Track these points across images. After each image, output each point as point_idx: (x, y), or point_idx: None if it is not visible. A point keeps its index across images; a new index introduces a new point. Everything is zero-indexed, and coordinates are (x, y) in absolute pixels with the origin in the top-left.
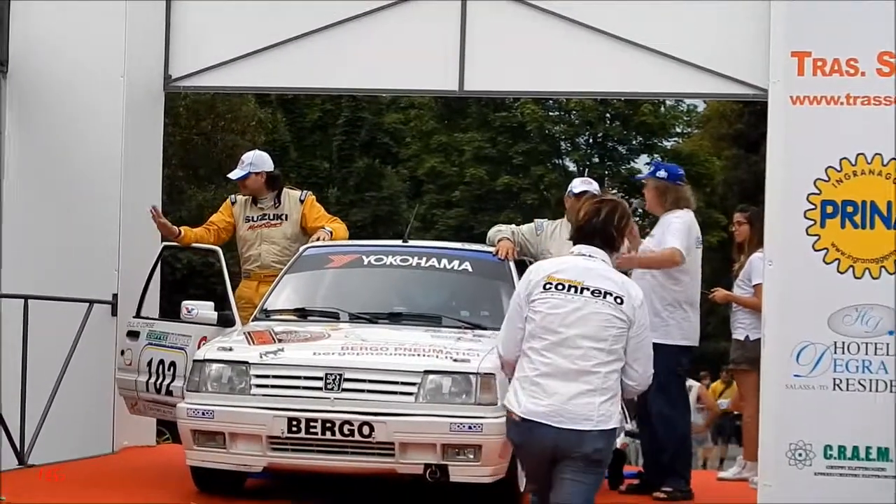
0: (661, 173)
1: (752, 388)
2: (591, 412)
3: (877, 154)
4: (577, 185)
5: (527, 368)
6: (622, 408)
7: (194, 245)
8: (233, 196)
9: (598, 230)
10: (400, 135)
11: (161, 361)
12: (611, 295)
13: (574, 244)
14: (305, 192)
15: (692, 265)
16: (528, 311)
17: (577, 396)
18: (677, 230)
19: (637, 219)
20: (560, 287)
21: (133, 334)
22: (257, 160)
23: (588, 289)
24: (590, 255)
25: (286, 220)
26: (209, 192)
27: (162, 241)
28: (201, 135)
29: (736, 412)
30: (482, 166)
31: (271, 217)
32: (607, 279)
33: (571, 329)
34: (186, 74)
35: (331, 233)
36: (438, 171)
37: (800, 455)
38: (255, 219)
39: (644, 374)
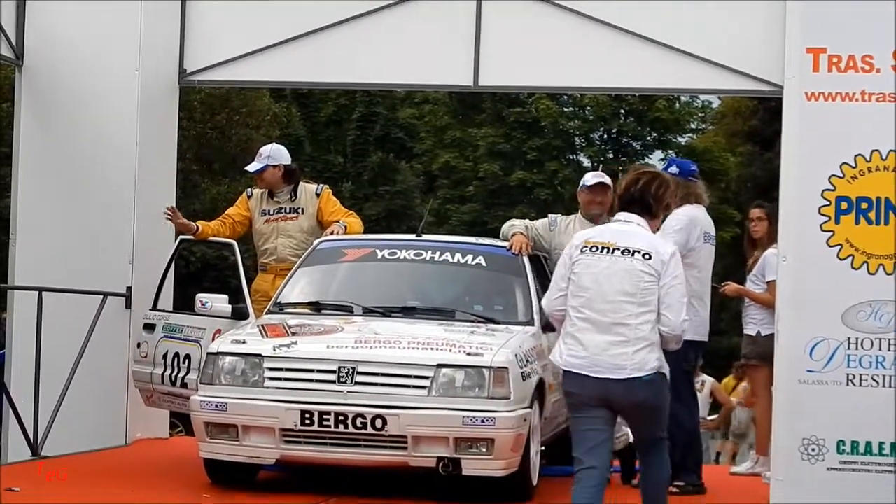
0: (673, 169)
1: (764, 384)
2: (624, 362)
3: (892, 151)
4: (591, 178)
5: (567, 325)
6: None
7: (211, 239)
8: (249, 189)
9: (637, 199)
10: (414, 130)
11: (176, 354)
12: (639, 252)
13: (617, 212)
14: (322, 185)
15: (700, 260)
16: (570, 272)
17: (610, 347)
18: (671, 228)
19: None
20: (594, 249)
21: (149, 327)
22: (275, 153)
23: (619, 249)
24: (625, 221)
25: (302, 213)
26: (223, 186)
27: (177, 235)
28: (216, 129)
29: (748, 407)
30: (496, 161)
31: (287, 211)
32: (638, 238)
33: (603, 286)
34: (201, 69)
35: (345, 227)
36: (452, 166)
37: (813, 450)
38: (271, 212)
39: (676, 320)
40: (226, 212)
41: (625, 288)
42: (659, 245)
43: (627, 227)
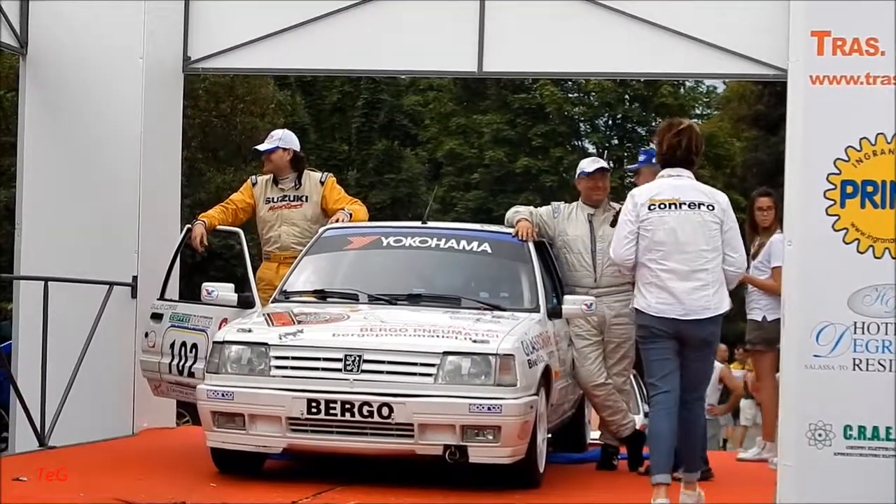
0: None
1: (769, 369)
2: (707, 303)
3: None
4: (589, 164)
5: (649, 276)
6: (637, 390)
7: (217, 227)
8: (254, 177)
9: (682, 158)
10: (419, 117)
11: (183, 343)
12: (703, 205)
13: (663, 167)
14: (326, 173)
15: None
16: (637, 228)
17: (693, 292)
18: None
19: None
20: (662, 206)
21: (156, 316)
22: (287, 137)
23: (685, 203)
24: (677, 175)
25: (307, 201)
26: (228, 175)
27: (183, 224)
28: (220, 117)
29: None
30: (501, 148)
31: (292, 198)
32: (697, 192)
33: (679, 238)
34: (205, 56)
35: (350, 214)
36: (457, 153)
37: (819, 435)
38: (275, 200)
39: (741, 258)
40: (229, 198)
41: (698, 239)
42: (716, 194)
43: (681, 182)
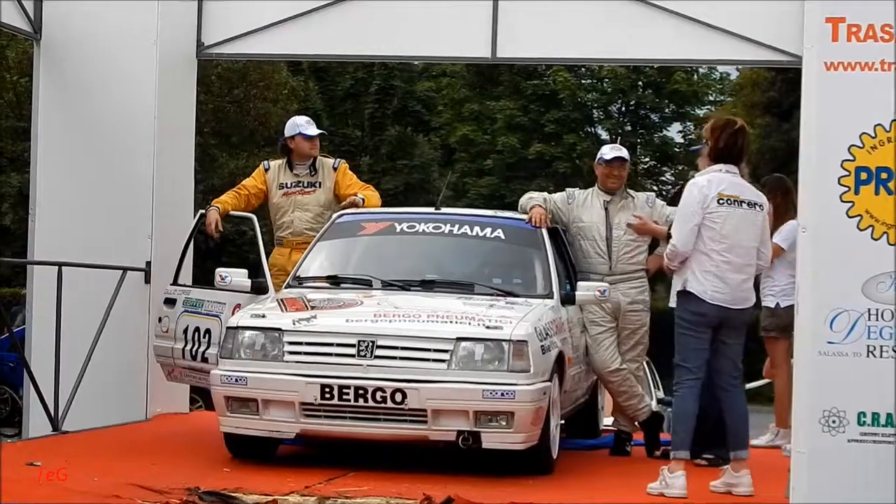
0: None
1: (783, 356)
2: (750, 294)
3: None
4: (608, 151)
5: (708, 264)
6: (650, 377)
7: (231, 213)
8: (266, 162)
9: (736, 155)
10: (432, 103)
11: (196, 329)
12: (758, 205)
13: (714, 162)
14: (339, 159)
15: None
16: (703, 219)
17: (742, 283)
18: None
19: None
20: (729, 202)
21: (170, 301)
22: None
23: (746, 201)
24: (734, 173)
25: (320, 187)
26: (241, 160)
27: (196, 209)
28: (233, 103)
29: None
30: (514, 134)
31: (305, 185)
32: (752, 191)
33: (741, 234)
34: (219, 42)
35: (363, 200)
36: (470, 140)
37: (833, 422)
38: (289, 185)
39: (768, 253)
40: (241, 183)
41: (753, 237)
42: (761, 195)
43: (738, 179)
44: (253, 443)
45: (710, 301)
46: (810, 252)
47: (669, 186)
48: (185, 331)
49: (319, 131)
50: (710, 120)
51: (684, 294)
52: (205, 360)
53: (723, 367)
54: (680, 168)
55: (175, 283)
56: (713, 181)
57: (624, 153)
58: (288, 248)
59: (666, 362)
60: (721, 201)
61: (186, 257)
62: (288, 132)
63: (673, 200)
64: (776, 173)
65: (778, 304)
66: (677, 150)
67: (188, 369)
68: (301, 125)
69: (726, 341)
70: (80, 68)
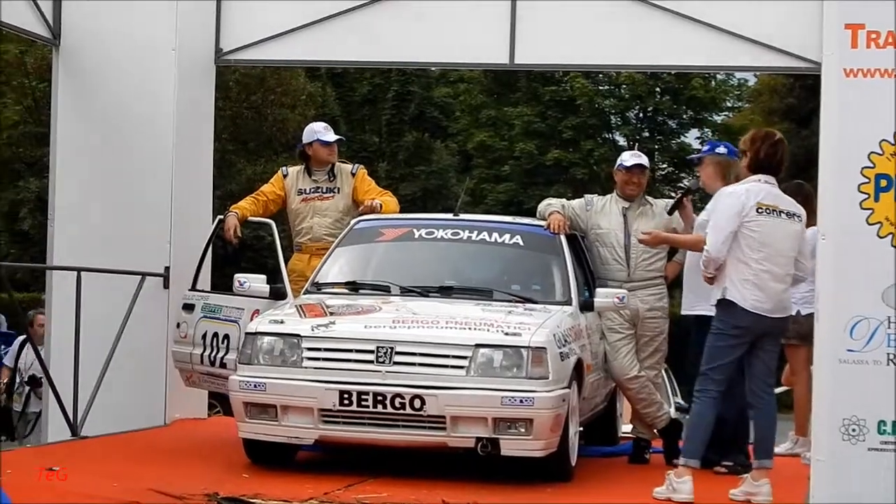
0: (721, 150)
1: (803, 363)
2: (789, 304)
3: None
4: (629, 158)
5: (747, 273)
6: (668, 384)
7: (249, 219)
8: (284, 168)
9: (775, 167)
10: (449, 109)
11: (215, 334)
12: (796, 215)
13: (753, 173)
14: (357, 165)
15: None
16: (741, 227)
17: (782, 293)
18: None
19: (692, 197)
20: (769, 211)
21: (188, 307)
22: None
23: (784, 211)
24: (773, 184)
25: (339, 193)
26: (259, 166)
27: (215, 215)
28: (251, 108)
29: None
30: (532, 140)
31: (324, 190)
32: (790, 202)
33: (779, 243)
34: (237, 48)
35: (381, 205)
36: (488, 146)
37: (853, 430)
38: (307, 191)
39: (808, 265)
40: (259, 189)
41: (791, 246)
42: (798, 206)
43: (776, 190)
44: (271, 448)
45: (750, 309)
46: (830, 259)
47: (679, 195)
48: (204, 336)
49: (337, 137)
50: (750, 131)
51: (723, 303)
52: (223, 365)
53: (758, 374)
54: (698, 174)
55: (193, 288)
56: (752, 191)
57: (644, 160)
58: (307, 253)
59: (683, 368)
60: (760, 210)
61: (205, 263)
62: (306, 138)
63: (672, 209)
64: (795, 180)
65: (798, 311)
66: (689, 157)
67: (206, 375)
68: (319, 131)
69: (764, 349)
70: (99, 74)
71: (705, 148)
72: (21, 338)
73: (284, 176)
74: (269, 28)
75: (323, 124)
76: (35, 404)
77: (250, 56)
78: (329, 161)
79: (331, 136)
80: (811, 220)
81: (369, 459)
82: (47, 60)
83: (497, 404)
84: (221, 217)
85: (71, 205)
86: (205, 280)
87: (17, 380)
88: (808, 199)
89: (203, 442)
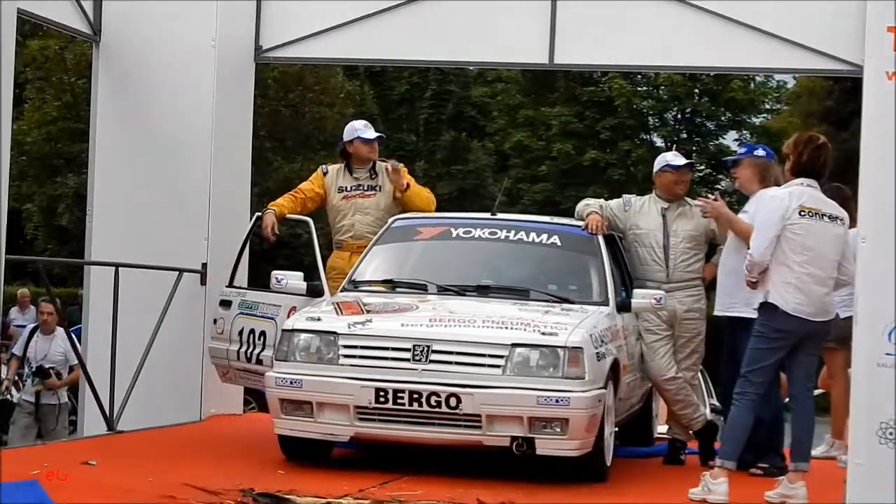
0: (760, 152)
1: (841, 367)
2: (831, 308)
3: None
4: (674, 157)
5: (789, 276)
6: (704, 386)
7: (287, 216)
8: (324, 166)
9: (818, 170)
10: (487, 108)
11: (252, 331)
12: (839, 219)
13: (795, 176)
14: (393, 161)
15: None
16: (784, 230)
17: (824, 296)
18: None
19: (727, 198)
20: (812, 214)
21: (225, 303)
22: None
23: (827, 214)
24: (815, 187)
25: (380, 191)
26: (296, 164)
27: (252, 211)
28: (289, 106)
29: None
30: (569, 141)
31: (366, 188)
32: (833, 205)
33: (822, 246)
34: (276, 45)
35: (402, 166)
36: (525, 146)
37: (890, 434)
38: (348, 189)
39: (851, 268)
40: (298, 186)
41: (835, 250)
42: (841, 209)
43: (818, 194)
44: (307, 445)
45: (793, 313)
46: (869, 262)
47: (714, 196)
48: (241, 333)
49: (378, 134)
50: (794, 134)
51: (766, 306)
52: (259, 361)
53: (798, 377)
54: (736, 176)
55: (231, 285)
56: (794, 193)
57: (687, 160)
58: (348, 251)
59: (718, 369)
60: (803, 213)
61: (242, 259)
62: (346, 136)
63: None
64: (834, 183)
65: (837, 314)
66: (723, 159)
67: (243, 371)
68: (359, 129)
69: (805, 352)
70: (139, 70)
71: (743, 150)
72: (31, 326)
73: (324, 174)
74: (308, 26)
75: (363, 122)
76: (46, 396)
77: (290, 54)
78: (370, 158)
79: (371, 134)
80: (851, 224)
81: (405, 457)
82: (87, 56)
83: (533, 404)
84: (259, 214)
85: (109, 201)
86: (241, 277)
87: (25, 370)
88: (846, 202)
89: (238, 438)
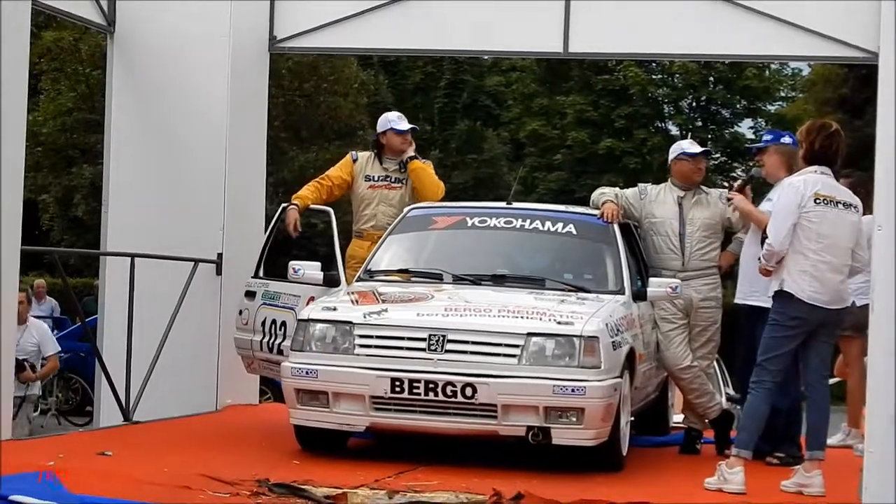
0: (787, 139)
1: (857, 355)
2: (847, 295)
3: None
4: (690, 145)
5: (804, 264)
6: (719, 374)
7: (311, 207)
8: (354, 153)
9: (831, 158)
10: (501, 97)
11: (273, 321)
12: (853, 206)
13: (809, 164)
14: (424, 160)
15: None
16: (799, 218)
17: (839, 284)
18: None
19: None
20: (827, 202)
21: (250, 294)
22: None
23: (841, 202)
24: (829, 175)
25: (407, 185)
26: (311, 154)
27: (268, 201)
28: (304, 96)
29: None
30: (584, 129)
31: (393, 180)
32: (846, 193)
33: (837, 234)
34: (290, 35)
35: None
36: (540, 134)
37: None
38: (376, 178)
39: (865, 255)
40: (325, 173)
41: (849, 237)
42: (855, 197)
43: (831, 181)
44: (323, 435)
45: (808, 301)
46: (885, 250)
47: (740, 182)
48: (263, 323)
49: (410, 126)
50: (807, 122)
51: (781, 294)
52: (280, 352)
53: (813, 365)
54: (751, 164)
55: (256, 275)
56: (808, 181)
57: (703, 148)
58: (368, 240)
59: (734, 358)
60: (818, 201)
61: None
62: (380, 128)
63: (740, 189)
64: (846, 169)
65: (854, 302)
66: (748, 146)
67: (265, 361)
68: (392, 120)
69: (820, 340)
70: (154, 61)
71: (769, 137)
72: None
73: (354, 160)
74: (322, 16)
75: (397, 113)
76: (18, 388)
77: (304, 44)
78: (402, 150)
79: (404, 125)
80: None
81: (420, 447)
82: (101, 48)
83: (548, 393)
84: (285, 205)
85: (125, 191)
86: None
87: None
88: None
89: (254, 428)
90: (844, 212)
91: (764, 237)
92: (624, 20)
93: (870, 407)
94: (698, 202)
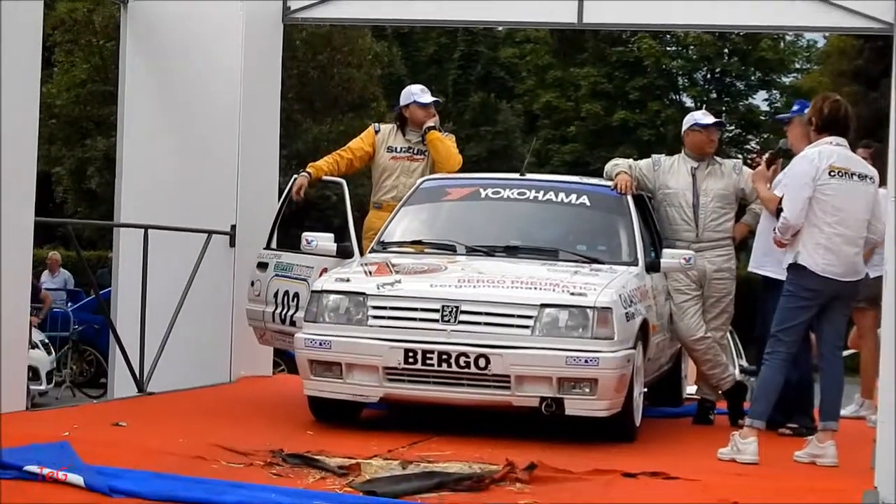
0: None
1: (871, 326)
2: (861, 267)
3: None
4: (703, 116)
5: (819, 237)
6: (733, 346)
7: (323, 178)
8: (376, 124)
9: (841, 123)
10: (515, 69)
11: (286, 292)
12: (868, 177)
13: (819, 132)
14: (448, 133)
15: None
16: (814, 191)
17: (854, 256)
18: None
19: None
20: (841, 174)
21: (262, 265)
22: None
23: (856, 174)
24: (844, 145)
25: (427, 157)
26: (325, 126)
27: (281, 173)
28: (318, 68)
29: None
30: (598, 101)
31: (416, 152)
32: (862, 164)
33: (852, 206)
34: (305, 6)
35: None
36: (554, 106)
37: None
38: (398, 150)
39: (881, 227)
40: (347, 145)
41: (864, 209)
42: (871, 167)
43: (847, 152)
44: (336, 406)
45: (822, 274)
46: None
47: (754, 155)
48: (276, 294)
49: (434, 98)
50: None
51: (795, 267)
52: (293, 323)
53: (827, 336)
54: (766, 136)
55: (268, 247)
56: (823, 153)
57: (716, 119)
58: (387, 211)
59: (748, 329)
60: (832, 173)
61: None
62: (403, 100)
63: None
64: (865, 140)
65: (867, 273)
66: (763, 118)
67: (278, 333)
68: (416, 93)
69: (835, 311)
70: (167, 32)
71: (794, 108)
72: None
73: (376, 132)
74: None
75: (420, 86)
76: None
77: (318, 14)
78: (425, 122)
79: (428, 98)
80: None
81: (434, 418)
82: (115, 19)
83: (562, 364)
84: (296, 176)
85: (138, 163)
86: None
87: None
88: (875, 161)
89: (268, 399)
90: (860, 183)
91: (779, 210)
92: None
93: (882, 378)
94: (712, 173)
